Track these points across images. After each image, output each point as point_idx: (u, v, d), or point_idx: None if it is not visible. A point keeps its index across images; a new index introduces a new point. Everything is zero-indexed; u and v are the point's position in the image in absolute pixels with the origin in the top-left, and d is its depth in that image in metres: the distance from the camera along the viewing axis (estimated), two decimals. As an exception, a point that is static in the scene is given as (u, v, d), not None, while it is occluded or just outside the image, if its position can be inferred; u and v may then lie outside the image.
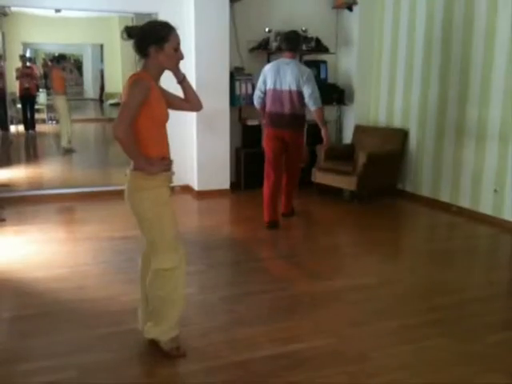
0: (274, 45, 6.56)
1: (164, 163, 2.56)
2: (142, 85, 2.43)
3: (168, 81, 2.74)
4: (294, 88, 4.96)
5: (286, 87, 4.98)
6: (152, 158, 2.51)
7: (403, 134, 6.37)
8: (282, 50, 5.26)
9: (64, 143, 7.40)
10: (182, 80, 2.70)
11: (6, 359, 2.69)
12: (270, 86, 5.04)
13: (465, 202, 5.58)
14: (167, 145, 2.65)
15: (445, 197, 5.85)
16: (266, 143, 5.15)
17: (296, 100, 4.99)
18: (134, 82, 2.44)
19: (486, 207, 5.34)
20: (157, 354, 2.71)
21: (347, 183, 6.10)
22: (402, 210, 6.10)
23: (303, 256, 4.38)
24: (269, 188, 5.10)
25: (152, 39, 2.47)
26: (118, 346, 2.82)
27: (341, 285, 3.75)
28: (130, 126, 2.40)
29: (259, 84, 5.13)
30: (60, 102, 7.37)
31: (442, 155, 5.86)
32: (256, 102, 5.22)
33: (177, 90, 2.76)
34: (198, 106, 2.84)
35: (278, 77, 4.99)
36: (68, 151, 7.47)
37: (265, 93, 5.10)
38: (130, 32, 2.51)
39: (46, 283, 3.66)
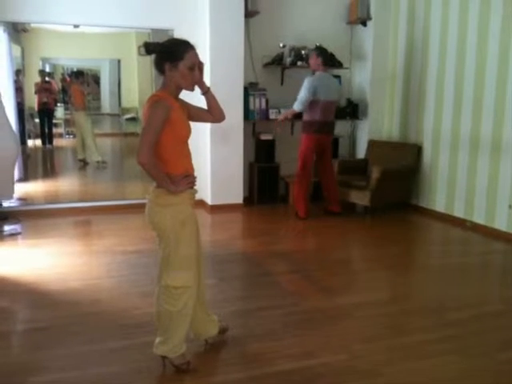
0: (288, 60, 6.62)
1: (188, 180, 2.56)
2: (162, 106, 2.42)
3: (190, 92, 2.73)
4: (336, 98, 5.96)
5: (332, 98, 5.85)
6: (176, 176, 2.52)
7: (417, 149, 6.36)
8: (318, 65, 5.86)
9: (96, 157, 7.55)
10: (206, 92, 2.72)
11: (18, 371, 2.72)
12: (323, 97, 5.74)
13: (479, 218, 5.54)
14: (191, 161, 2.65)
15: (459, 212, 5.82)
16: (310, 149, 5.84)
17: (335, 109, 6.01)
18: (154, 104, 2.43)
19: (500, 223, 5.29)
20: (167, 368, 2.72)
21: (360, 198, 6.10)
22: (416, 224, 6.07)
23: (315, 270, 4.37)
24: (304, 188, 5.91)
25: (167, 56, 2.48)
26: (130, 359, 2.83)
27: (353, 300, 3.74)
28: (152, 150, 2.41)
29: (310, 92, 5.67)
30: (81, 118, 7.48)
31: (456, 170, 5.84)
32: (302, 106, 5.75)
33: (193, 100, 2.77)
34: (221, 117, 2.83)
35: (328, 89, 5.77)
36: (102, 163, 7.62)
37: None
38: (148, 48, 2.53)
39: (60, 296, 3.70)
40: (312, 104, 5.73)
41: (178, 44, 2.52)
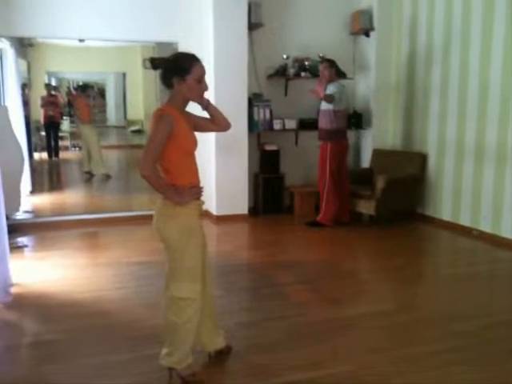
0: (291, 71, 6.65)
1: (193, 191, 2.58)
2: (166, 120, 2.45)
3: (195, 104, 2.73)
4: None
5: (347, 106, 6.16)
6: (182, 188, 2.54)
7: (422, 158, 6.36)
8: (332, 75, 5.96)
9: (102, 170, 7.63)
10: (206, 106, 2.73)
11: (26, 384, 2.72)
12: (344, 106, 5.94)
13: (486, 226, 5.52)
14: (197, 173, 2.66)
15: (465, 221, 5.80)
16: (335, 156, 5.92)
17: None
18: (159, 118, 2.46)
19: (507, 231, 5.27)
20: (174, 379, 2.71)
21: (366, 207, 6.10)
22: (422, 234, 6.05)
23: (321, 281, 4.37)
24: (339, 195, 6.00)
25: (175, 71, 2.51)
26: (137, 371, 2.83)
27: (359, 311, 3.72)
28: (155, 162, 2.45)
29: (338, 98, 5.79)
30: (87, 131, 7.54)
31: (462, 179, 5.83)
32: (331, 102, 5.76)
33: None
34: (226, 126, 2.83)
35: (346, 98, 6.00)
36: (106, 176, 7.70)
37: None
38: (154, 63, 2.58)
39: (67, 308, 3.71)
40: (337, 112, 5.84)
41: (184, 58, 2.55)
